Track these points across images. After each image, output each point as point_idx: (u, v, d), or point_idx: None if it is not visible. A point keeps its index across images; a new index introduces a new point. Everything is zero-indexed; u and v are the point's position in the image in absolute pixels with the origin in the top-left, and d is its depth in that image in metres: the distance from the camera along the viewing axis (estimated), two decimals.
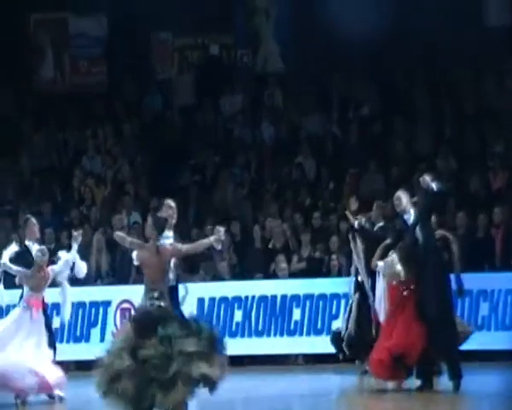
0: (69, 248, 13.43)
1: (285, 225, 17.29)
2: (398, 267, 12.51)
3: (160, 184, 18.94)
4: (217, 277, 16.95)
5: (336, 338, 14.67)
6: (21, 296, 12.89)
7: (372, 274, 13.85)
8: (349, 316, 14.42)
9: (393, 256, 12.60)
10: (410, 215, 12.59)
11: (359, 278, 14.28)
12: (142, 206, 18.51)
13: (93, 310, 16.99)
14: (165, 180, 19.12)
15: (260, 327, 16.22)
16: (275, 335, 16.21)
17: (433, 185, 12.42)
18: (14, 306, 13.11)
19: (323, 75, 20.39)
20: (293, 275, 16.61)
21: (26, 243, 13.47)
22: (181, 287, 11.79)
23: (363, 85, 20.06)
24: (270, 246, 17.30)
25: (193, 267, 16.99)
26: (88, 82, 21.57)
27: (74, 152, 20.36)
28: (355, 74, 20.21)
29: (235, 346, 15.89)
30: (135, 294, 15.81)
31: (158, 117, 20.84)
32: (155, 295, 10.35)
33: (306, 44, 20.25)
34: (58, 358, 13.41)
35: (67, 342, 16.75)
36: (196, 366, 9.83)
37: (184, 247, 10.82)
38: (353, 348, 14.37)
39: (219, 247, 11.10)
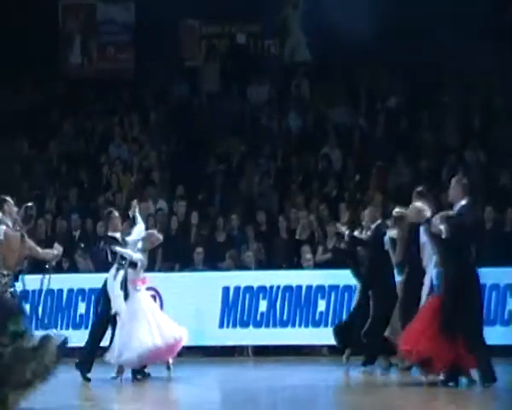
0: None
1: (311, 217, 17.25)
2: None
3: (185, 172, 19.03)
4: (242, 266, 16.89)
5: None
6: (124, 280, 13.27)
7: None
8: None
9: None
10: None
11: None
12: (167, 193, 18.61)
13: None
14: (191, 168, 19.15)
15: (285, 317, 16.14)
16: (299, 325, 16.15)
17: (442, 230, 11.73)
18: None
19: (351, 67, 20.48)
20: (318, 266, 16.55)
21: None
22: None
23: (390, 77, 20.14)
24: (295, 237, 17.25)
25: (219, 256, 17.06)
26: (115, 68, 21.73)
27: (101, 139, 20.44)
28: (382, 66, 20.17)
29: (260, 336, 16.12)
30: (160, 281, 16.23)
31: (184, 105, 20.92)
32: (7, 280, 10.68)
33: (333, 35, 19.98)
34: None
35: None
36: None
37: (35, 249, 11.35)
38: (339, 336, 14.50)
39: (53, 263, 11.81)
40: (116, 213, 13.81)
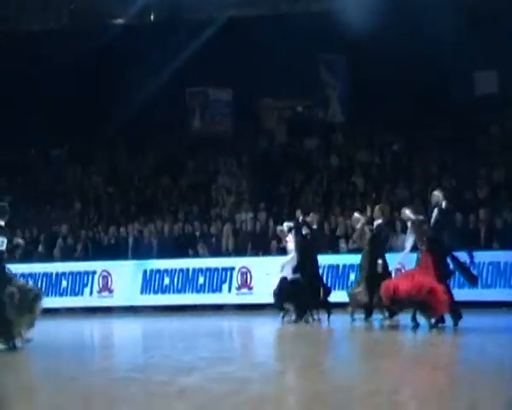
0: None
1: (347, 221, 16.93)
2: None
3: (266, 194, 18.98)
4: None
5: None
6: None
7: None
8: None
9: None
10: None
11: None
12: (253, 207, 18.48)
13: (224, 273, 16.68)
14: (269, 191, 19.13)
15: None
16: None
17: (443, 203, 11.44)
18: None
19: (369, 126, 20.24)
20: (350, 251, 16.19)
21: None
22: None
23: (393, 132, 19.94)
24: (336, 233, 17.08)
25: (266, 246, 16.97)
26: (220, 130, 21.51)
27: (213, 173, 20.31)
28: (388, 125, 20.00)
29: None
30: (250, 262, 16.61)
31: (264, 152, 20.86)
32: None
33: (359, 106, 20.01)
34: None
35: None
36: None
37: None
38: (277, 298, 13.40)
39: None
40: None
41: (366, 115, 19.83)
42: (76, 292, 17.05)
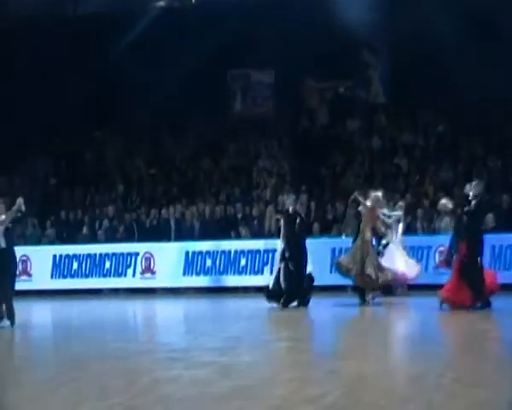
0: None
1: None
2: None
3: (308, 176, 18.89)
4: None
5: None
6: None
7: None
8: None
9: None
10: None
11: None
12: (295, 189, 18.07)
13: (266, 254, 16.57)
14: (311, 173, 19.03)
15: None
16: None
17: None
18: None
19: (412, 105, 20.05)
20: None
21: None
22: None
23: (437, 111, 19.65)
24: None
25: (327, 228, 16.96)
26: (261, 112, 21.48)
27: (254, 155, 20.25)
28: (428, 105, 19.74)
29: None
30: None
31: (306, 134, 20.72)
32: None
33: (400, 85, 19.82)
34: None
35: None
36: None
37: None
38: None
39: (23, 208, 11.15)
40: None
41: (408, 96, 19.61)
42: (119, 273, 17.16)
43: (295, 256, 12.84)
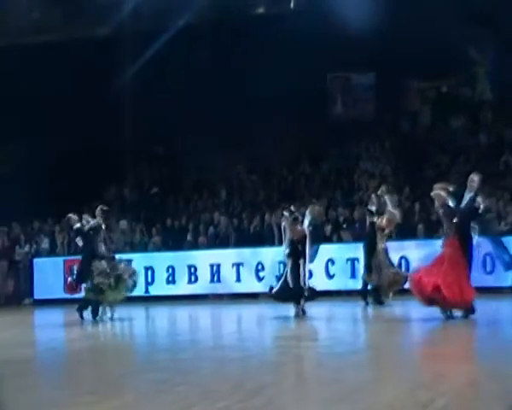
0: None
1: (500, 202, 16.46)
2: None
3: (410, 177, 18.64)
4: None
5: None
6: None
7: None
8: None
9: None
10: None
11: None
12: (397, 191, 17.78)
13: None
14: (414, 174, 18.76)
15: None
16: None
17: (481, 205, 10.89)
18: None
19: None
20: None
21: None
22: None
23: None
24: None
25: (434, 229, 16.37)
26: (362, 114, 21.38)
27: (355, 158, 20.21)
28: None
29: None
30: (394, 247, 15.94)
31: (408, 135, 20.52)
32: None
33: (509, 82, 19.39)
34: None
35: None
36: None
37: None
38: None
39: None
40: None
41: None
42: (219, 279, 17.20)
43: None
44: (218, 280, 17.22)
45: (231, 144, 21.29)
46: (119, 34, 21.22)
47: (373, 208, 13.84)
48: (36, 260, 18.08)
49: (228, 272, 17.23)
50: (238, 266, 17.27)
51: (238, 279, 17.27)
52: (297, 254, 12.47)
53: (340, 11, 19.49)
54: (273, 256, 16.76)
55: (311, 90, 20.24)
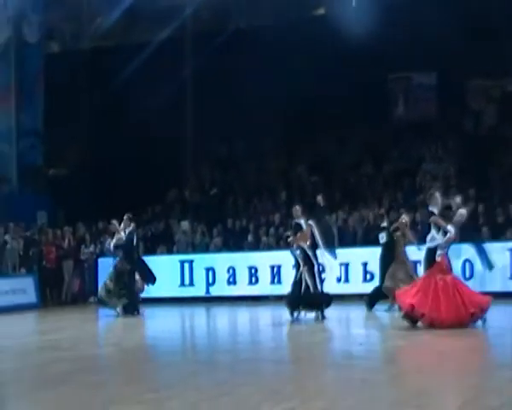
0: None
1: None
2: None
3: (475, 179, 18.23)
4: None
5: None
6: None
7: None
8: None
9: None
10: None
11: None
12: (461, 193, 17.28)
13: None
14: (479, 175, 18.38)
15: None
16: None
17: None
18: None
19: None
20: None
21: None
22: None
23: None
24: None
25: (500, 232, 16.30)
26: (424, 115, 21.05)
27: (417, 159, 19.87)
28: None
29: None
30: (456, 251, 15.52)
31: (472, 135, 20.07)
32: None
33: None
34: None
35: None
36: None
37: None
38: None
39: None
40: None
41: None
42: (280, 281, 17.13)
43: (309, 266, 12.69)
44: (279, 281, 17.13)
45: (292, 145, 21.27)
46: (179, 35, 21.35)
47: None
48: (101, 260, 18.38)
49: (289, 274, 17.07)
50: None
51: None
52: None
53: (401, 10, 19.35)
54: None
55: (372, 91, 20.07)
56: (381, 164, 20.22)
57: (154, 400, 6.51)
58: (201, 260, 17.84)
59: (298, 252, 12.65)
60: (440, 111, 20.73)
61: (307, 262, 12.59)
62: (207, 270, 17.67)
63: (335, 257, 13.37)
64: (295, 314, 12.73)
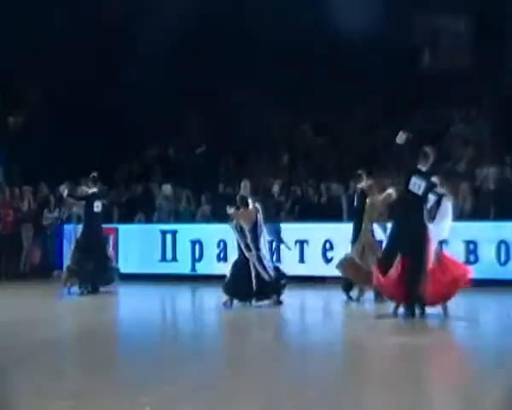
0: None
1: None
2: None
3: (510, 144, 17.45)
4: None
5: None
6: None
7: None
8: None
9: None
10: None
11: None
12: (499, 159, 17.17)
13: None
14: None
15: None
16: None
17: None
18: None
19: None
20: None
21: None
22: None
23: None
24: None
25: None
26: (455, 67, 20.21)
27: (445, 121, 19.25)
28: None
29: None
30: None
31: (510, 94, 19.20)
32: None
33: None
34: None
35: None
36: None
37: None
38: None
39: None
40: None
41: None
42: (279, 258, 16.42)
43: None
44: (278, 259, 16.14)
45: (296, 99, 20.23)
46: None
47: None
48: (67, 227, 17.79)
49: (290, 251, 16.06)
50: (302, 243, 16.46)
51: (302, 260, 16.46)
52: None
53: None
54: (342, 234, 15.61)
55: (394, 39, 19.61)
56: (403, 126, 19.34)
57: (174, 397, 6.46)
58: (186, 232, 17.28)
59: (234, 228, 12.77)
60: (474, 64, 20.08)
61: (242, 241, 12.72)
62: (193, 243, 17.07)
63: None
64: (229, 303, 12.47)
